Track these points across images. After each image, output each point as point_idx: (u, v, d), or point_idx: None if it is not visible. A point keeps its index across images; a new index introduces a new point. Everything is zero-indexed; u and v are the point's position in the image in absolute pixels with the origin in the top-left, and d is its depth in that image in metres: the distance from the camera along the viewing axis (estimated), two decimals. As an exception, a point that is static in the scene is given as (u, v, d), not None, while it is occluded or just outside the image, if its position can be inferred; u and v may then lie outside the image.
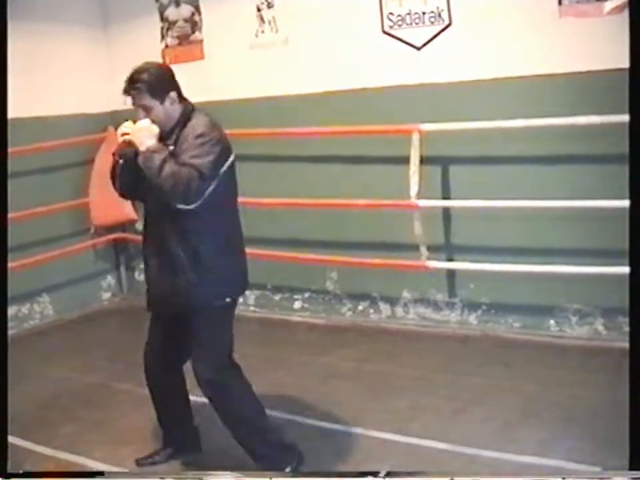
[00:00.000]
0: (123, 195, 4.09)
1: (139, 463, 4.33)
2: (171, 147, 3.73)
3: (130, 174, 3.83)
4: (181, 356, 4.10)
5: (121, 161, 3.83)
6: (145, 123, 3.73)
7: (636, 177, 2.96)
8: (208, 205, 3.70)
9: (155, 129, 3.71)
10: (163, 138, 3.76)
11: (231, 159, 3.82)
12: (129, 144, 3.74)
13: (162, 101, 3.74)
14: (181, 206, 3.64)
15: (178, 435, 4.36)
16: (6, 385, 3.14)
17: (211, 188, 3.67)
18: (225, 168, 3.75)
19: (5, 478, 3.17)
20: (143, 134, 3.69)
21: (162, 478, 4.00)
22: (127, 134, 3.76)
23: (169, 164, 3.59)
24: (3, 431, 3.16)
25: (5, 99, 3.35)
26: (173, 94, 3.77)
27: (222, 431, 4.07)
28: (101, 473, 3.42)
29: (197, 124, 3.75)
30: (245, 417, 4.01)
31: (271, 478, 3.75)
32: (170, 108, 3.76)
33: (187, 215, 3.71)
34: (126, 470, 4.25)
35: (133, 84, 3.72)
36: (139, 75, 3.72)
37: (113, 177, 3.95)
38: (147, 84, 3.70)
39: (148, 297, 4.06)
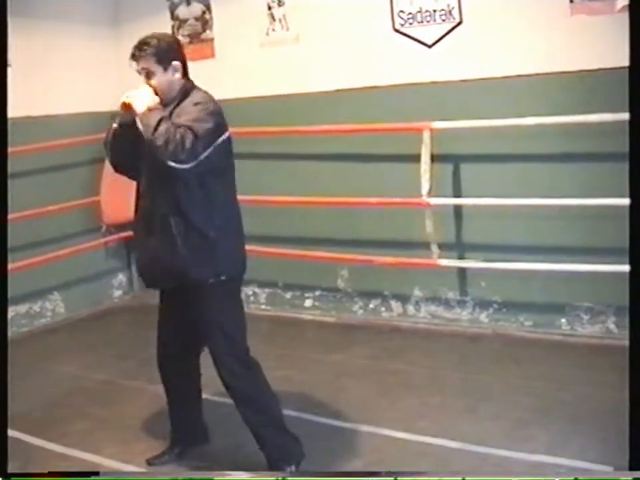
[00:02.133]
0: (116, 166, 4.08)
1: (149, 462, 4.31)
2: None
3: (125, 141, 3.85)
4: (190, 343, 4.11)
5: (115, 125, 3.87)
6: (146, 88, 3.75)
7: (636, 175, 2.95)
8: (203, 176, 3.72)
9: (154, 96, 3.72)
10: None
11: (226, 135, 3.81)
12: (128, 107, 3.73)
13: (165, 69, 3.78)
14: (172, 164, 3.57)
15: (187, 432, 4.35)
16: (6, 386, 3.14)
17: (205, 154, 3.63)
18: (219, 141, 3.73)
19: (5, 478, 3.16)
20: (144, 96, 3.71)
21: (172, 477, 3.99)
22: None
23: (166, 123, 3.59)
24: (3, 431, 3.16)
25: (5, 99, 3.33)
26: (177, 64, 3.81)
27: (230, 431, 4.07)
28: (95, 473, 3.41)
29: (195, 96, 3.80)
30: (262, 401, 4.01)
31: (281, 478, 3.73)
32: (172, 78, 3.80)
33: (183, 185, 3.72)
34: (141, 469, 4.25)
35: (140, 47, 3.77)
36: (148, 39, 3.79)
37: (108, 145, 3.98)
38: (154, 48, 3.76)
39: (141, 275, 4.12)
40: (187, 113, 3.69)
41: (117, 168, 4.09)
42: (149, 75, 3.78)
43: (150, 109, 3.65)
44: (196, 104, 3.73)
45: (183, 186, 3.73)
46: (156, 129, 3.57)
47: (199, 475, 3.62)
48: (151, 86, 3.76)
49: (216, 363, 3.94)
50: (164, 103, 3.77)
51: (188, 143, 3.56)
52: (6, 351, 3.23)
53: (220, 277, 3.85)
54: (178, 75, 3.81)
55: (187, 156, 3.58)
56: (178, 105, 3.80)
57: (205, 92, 3.88)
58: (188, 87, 3.85)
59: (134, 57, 3.79)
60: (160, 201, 3.81)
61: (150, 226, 3.89)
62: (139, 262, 4.07)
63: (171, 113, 3.75)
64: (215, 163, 3.73)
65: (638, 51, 2.91)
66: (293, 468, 3.96)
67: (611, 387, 4.81)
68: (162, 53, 3.77)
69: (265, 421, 4.02)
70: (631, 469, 3.02)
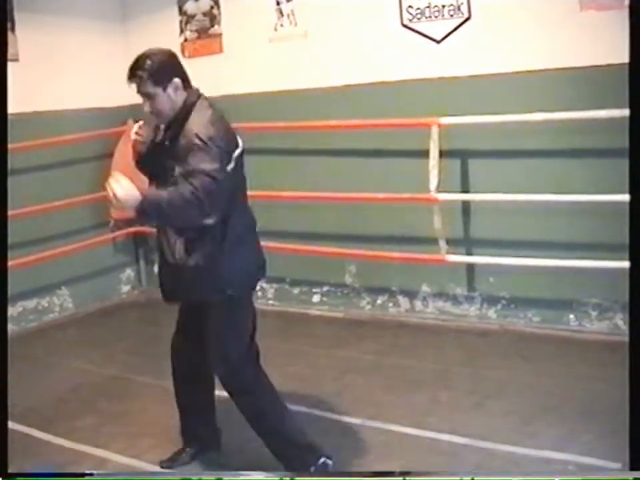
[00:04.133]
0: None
1: (162, 465, 4.21)
2: (167, 143, 3.68)
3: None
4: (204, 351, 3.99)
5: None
6: (120, 186, 3.48)
7: (636, 171, 2.95)
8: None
9: (126, 183, 3.49)
10: (162, 130, 3.75)
11: (238, 151, 3.67)
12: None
13: (164, 88, 3.63)
14: (205, 221, 3.57)
15: (201, 435, 4.27)
16: (6, 387, 3.14)
17: (222, 195, 3.56)
18: (232, 165, 3.60)
19: (5, 478, 3.17)
20: (127, 196, 3.47)
21: (174, 478, 3.98)
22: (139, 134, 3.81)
23: (174, 192, 3.47)
24: (3, 432, 3.16)
25: (5, 94, 3.33)
26: (177, 80, 3.66)
27: (241, 430, 4.06)
28: (90, 474, 3.42)
29: (198, 121, 3.60)
30: (266, 415, 3.93)
31: (293, 478, 3.71)
32: (173, 95, 3.65)
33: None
34: (149, 464, 4.26)
35: (135, 71, 3.62)
36: (141, 61, 3.63)
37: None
38: (149, 71, 3.60)
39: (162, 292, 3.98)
40: (196, 151, 3.51)
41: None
42: (149, 98, 3.64)
43: (147, 200, 3.48)
44: (200, 139, 3.52)
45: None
46: (173, 207, 3.46)
47: (208, 475, 3.62)
48: (153, 108, 3.66)
49: (215, 372, 3.96)
50: (165, 124, 3.72)
51: (212, 193, 3.46)
52: (6, 352, 3.22)
53: (225, 293, 3.77)
54: (180, 92, 3.67)
55: (216, 207, 3.54)
56: (181, 127, 3.64)
57: (210, 107, 3.71)
58: (189, 103, 3.69)
59: (130, 81, 3.66)
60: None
61: (163, 245, 3.83)
62: (161, 278, 3.99)
63: (175, 137, 3.65)
64: (229, 187, 3.62)
65: (638, 48, 2.90)
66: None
67: (619, 383, 4.79)
68: (157, 73, 3.62)
69: (274, 437, 3.94)
70: (632, 468, 3.02)
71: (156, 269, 7.76)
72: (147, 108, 3.68)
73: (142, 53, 3.69)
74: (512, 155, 5.92)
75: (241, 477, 3.73)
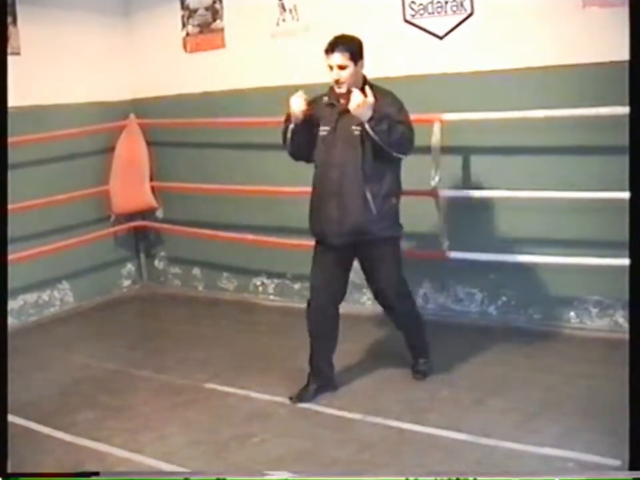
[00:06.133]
0: (294, 156, 4.94)
1: (292, 400, 4.84)
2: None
3: (303, 135, 4.73)
4: (344, 290, 5.00)
5: (292, 126, 4.71)
6: (369, 99, 4.46)
7: (636, 168, 2.95)
8: None
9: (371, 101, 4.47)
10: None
11: None
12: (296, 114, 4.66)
13: (356, 64, 4.60)
14: (400, 155, 4.67)
15: (325, 372, 4.99)
16: (6, 387, 3.14)
17: None
18: None
19: (5, 478, 3.17)
20: (366, 107, 4.45)
21: (177, 477, 3.98)
22: (307, 106, 4.66)
23: (396, 126, 4.49)
24: (3, 432, 3.16)
25: (5, 88, 3.32)
26: (363, 61, 4.67)
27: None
28: (96, 473, 3.42)
29: (379, 90, 4.68)
30: (414, 312, 5.19)
31: (289, 478, 3.70)
32: (359, 72, 4.66)
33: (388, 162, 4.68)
34: (150, 459, 4.26)
35: (338, 43, 4.59)
36: (345, 38, 4.64)
37: (288, 141, 4.81)
38: (350, 46, 4.60)
39: (322, 234, 4.89)
40: (394, 109, 4.64)
41: (295, 157, 4.95)
42: (341, 68, 4.57)
43: (377, 118, 4.46)
44: (394, 101, 4.71)
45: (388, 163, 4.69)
46: (392, 133, 4.49)
47: (210, 475, 3.61)
48: (340, 77, 4.59)
49: (385, 292, 5.01)
50: (344, 90, 4.63)
51: (413, 141, 4.65)
52: (6, 355, 3.22)
53: (401, 232, 4.98)
54: (361, 70, 4.68)
55: (411, 149, 4.69)
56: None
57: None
58: (365, 80, 4.71)
59: (331, 52, 4.58)
60: (352, 175, 4.65)
61: (343, 194, 4.68)
62: (321, 222, 4.85)
63: None
64: None
65: (638, 45, 2.90)
66: (422, 360, 5.20)
67: (620, 380, 4.79)
68: (355, 50, 4.61)
69: (418, 330, 5.20)
70: (631, 468, 3.01)
71: (157, 263, 7.88)
72: (335, 76, 4.63)
73: (343, 34, 4.68)
74: (514, 152, 5.91)
75: (244, 477, 3.73)
